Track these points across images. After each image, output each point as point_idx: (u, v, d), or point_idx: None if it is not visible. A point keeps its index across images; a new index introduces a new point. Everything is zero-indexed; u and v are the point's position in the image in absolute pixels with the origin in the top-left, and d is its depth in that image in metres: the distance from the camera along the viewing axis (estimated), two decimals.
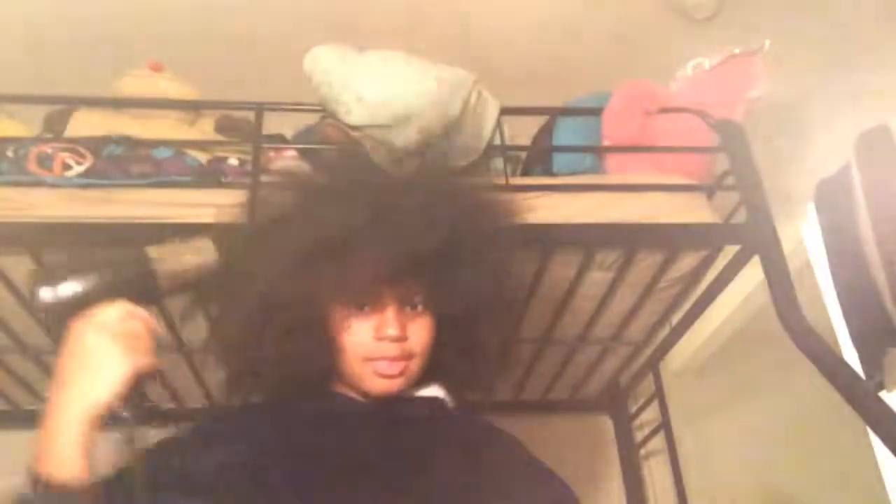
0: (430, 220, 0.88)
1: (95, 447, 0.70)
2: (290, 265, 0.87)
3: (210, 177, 1.41)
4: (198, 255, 0.83)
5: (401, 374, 0.89)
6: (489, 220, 0.97)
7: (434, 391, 0.96)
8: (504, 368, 1.03)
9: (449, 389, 0.97)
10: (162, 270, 0.80)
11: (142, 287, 0.79)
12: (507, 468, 0.93)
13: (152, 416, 0.74)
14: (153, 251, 0.80)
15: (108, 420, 0.71)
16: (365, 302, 0.89)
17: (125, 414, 0.71)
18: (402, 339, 0.89)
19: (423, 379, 0.94)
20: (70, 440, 0.69)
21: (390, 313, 0.89)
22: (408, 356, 0.90)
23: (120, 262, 0.79)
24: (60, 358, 0.73)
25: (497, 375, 1.02)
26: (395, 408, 0.91)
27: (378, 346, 0.89)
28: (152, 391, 0.75)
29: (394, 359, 0.89)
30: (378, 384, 0.90)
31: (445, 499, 0.83)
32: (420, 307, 0.91)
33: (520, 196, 1.40)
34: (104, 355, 0.71)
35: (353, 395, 0.93)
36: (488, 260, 0.93)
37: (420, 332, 0.91)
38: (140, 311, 0.76)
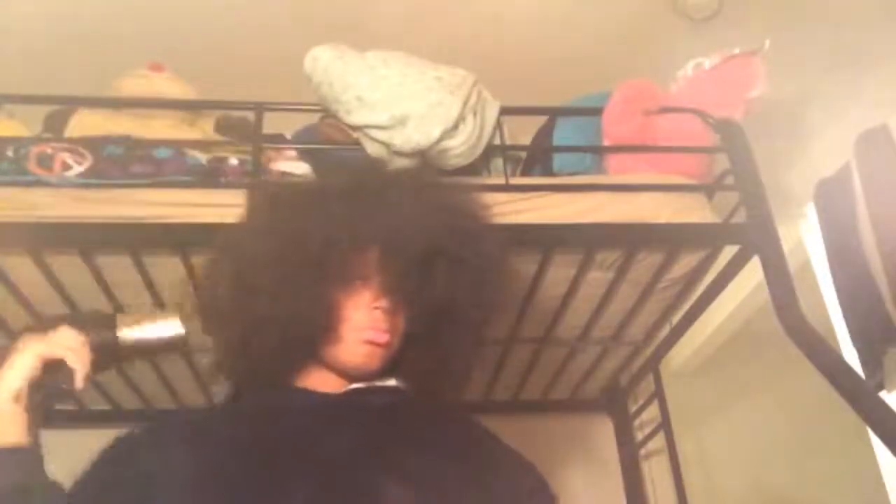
0: (423, 221, 0.93)
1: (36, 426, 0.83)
2: (299, 252, 0.89)
3: (210, 177, 1.41)
4: (164, 329, 0.93)
5: (386, 345, 0.92)
6: (472, 227, 0.99)
7: (394, 384, 0.96)
8: (468, 370, 1.04)
9: (410, 387, 0.97)
10: (125, 338, 0.91)
11: (103, 351, 0.89)
12: (483, 457, 0.92)
13: (62, 397, 0.86)
14: (122, 319, 0.92)
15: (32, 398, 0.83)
16: (361, 278, 0.93)
17: (37, 395, 0.83)
18: (393, 311, 0.92)
19: (385, 374, 0.95)
20: (4, 416, 0.82)
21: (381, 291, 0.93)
22: (393, 331, 0.93)
23: (89, 324, 0.90)
24: None
25: (461, 377, 1.03)
26: (359, 398, 0.92)
27: (371, 315, 0.92)
28: (66, 380, 0.85)
29: (384, 330, 0.92)
30: (362, 350, 0.91)
31: (423, 488, 0.82)
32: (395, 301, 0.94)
33: (519, 196, 1.41)
34: (20, 349, 0.84)
35: (315, 388, 0.93)
36: (469, 264, 0.95)
37: (396, 318, 0.94)
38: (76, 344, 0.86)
